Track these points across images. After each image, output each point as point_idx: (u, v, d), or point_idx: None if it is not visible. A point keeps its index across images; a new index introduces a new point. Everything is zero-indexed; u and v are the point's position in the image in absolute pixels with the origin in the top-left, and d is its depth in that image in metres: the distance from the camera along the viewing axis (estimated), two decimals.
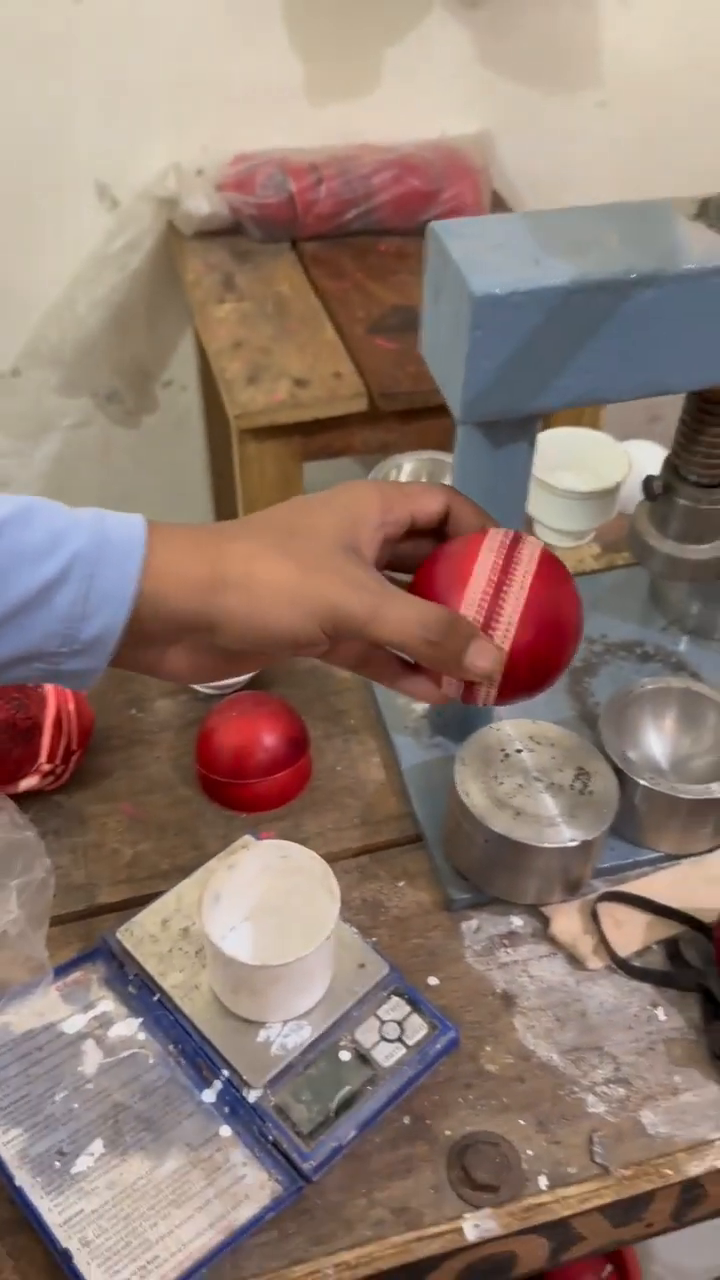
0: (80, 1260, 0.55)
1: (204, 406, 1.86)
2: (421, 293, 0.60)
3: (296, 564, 0.46)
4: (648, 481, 0.70)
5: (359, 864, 0.76)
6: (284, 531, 0.48)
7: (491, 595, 0.49)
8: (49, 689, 0.78)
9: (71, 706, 0.79)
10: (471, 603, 0.49)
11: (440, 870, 0.75)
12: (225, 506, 1.95)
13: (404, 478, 0.93)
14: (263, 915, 0.68)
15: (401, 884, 0.75)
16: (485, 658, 0.48)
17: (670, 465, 0.70)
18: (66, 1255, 0.55)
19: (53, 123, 1.55)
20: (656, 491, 0.70)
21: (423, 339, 0.61)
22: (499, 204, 1.69)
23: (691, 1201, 0.64)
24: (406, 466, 0.93)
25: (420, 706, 0.84)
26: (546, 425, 0.95)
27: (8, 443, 1.82)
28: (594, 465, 0.94)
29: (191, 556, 0.46)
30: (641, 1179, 0.62)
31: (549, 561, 0.50)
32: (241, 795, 0.78)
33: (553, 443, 0.95)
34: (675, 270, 0.56)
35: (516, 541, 0.50)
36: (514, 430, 0.61)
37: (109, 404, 1.82)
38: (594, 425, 1.18)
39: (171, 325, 1.76)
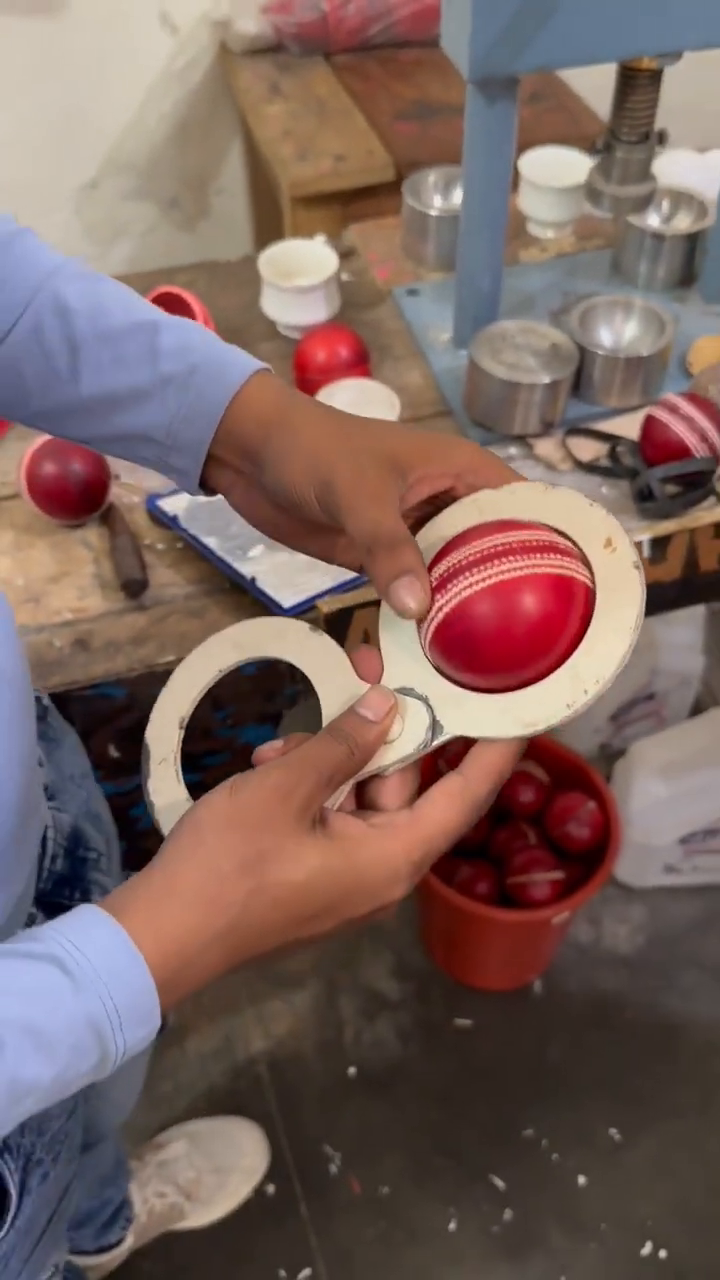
0: (260, 584, 0.95)
1: (251, 213, 2.19)
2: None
3: (338, 441, 0.52)
4: (593, 143, 1.05)
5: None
6: (356, 422, 0.54)
7: (471, 562, 0.48)
8: (196, 316, 1.15)
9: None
10: (452, 560, 0.49)
11: (460, 421, 1.12)
12: None
13: (430, 185, 1.28)
14: None
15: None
16: (411, 595, 0.48)
17: (609, 128, 1.05)
18: (251, 580, 0.95)
19: None
20: (600, 148, 1.05)
21: (443, 30, 0.96)
22: None
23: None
24: (431, 177, 1.28)
25: (448, 333, 1.21)
26: (535, 144, 1.30)
27: (90, 248, 2.16)
28: (572, 173, 1.28)
29: (272, 403, 0.55)
30: None
31: (556, 583, 0.48)
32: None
33: (542, 157, 1.29)
34: None
35: (545, 550, 0.49)
36: (502, 88, 0.96)
37: (171, 210, 2.16)
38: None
39: (223, 137, 2.09)
